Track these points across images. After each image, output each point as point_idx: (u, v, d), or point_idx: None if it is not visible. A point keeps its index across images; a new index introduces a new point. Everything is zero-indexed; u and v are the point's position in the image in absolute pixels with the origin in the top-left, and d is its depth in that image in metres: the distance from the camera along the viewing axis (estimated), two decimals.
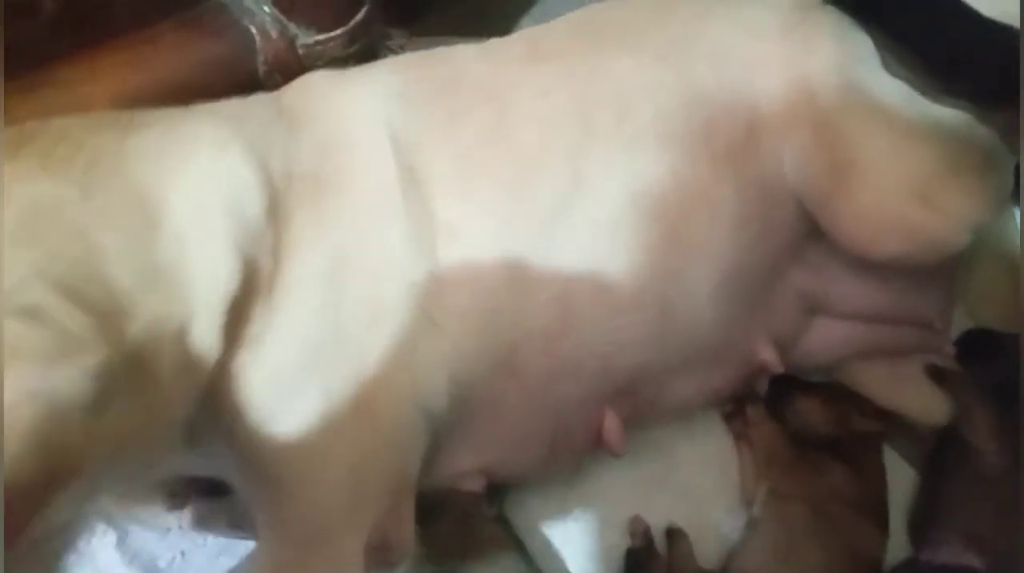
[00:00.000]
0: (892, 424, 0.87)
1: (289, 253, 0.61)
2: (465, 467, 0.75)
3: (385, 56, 1.03)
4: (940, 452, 0.85)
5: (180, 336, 0.54)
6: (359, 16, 0.86)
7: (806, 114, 0.75)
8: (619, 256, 0.72)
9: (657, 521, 0.82)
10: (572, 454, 0.80)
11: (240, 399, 0.59)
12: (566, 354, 0.72)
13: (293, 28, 0.83)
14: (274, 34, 0.83)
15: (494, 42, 0.79)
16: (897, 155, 0.74)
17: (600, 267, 0.71)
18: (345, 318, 0.62)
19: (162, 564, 0.80)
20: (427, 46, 1.05)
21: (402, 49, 1.09)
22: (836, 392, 0.87)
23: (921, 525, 0.82)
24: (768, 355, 0.81)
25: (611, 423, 0.76)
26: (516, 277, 0.69)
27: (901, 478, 0.86)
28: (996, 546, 0.77)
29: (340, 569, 0.64)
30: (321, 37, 0.84)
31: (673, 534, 0.81)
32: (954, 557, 0.78)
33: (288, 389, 0.60)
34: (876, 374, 0.89)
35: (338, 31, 0.84)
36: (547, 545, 0.83)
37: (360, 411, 0.62)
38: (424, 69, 0.75)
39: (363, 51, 0.89)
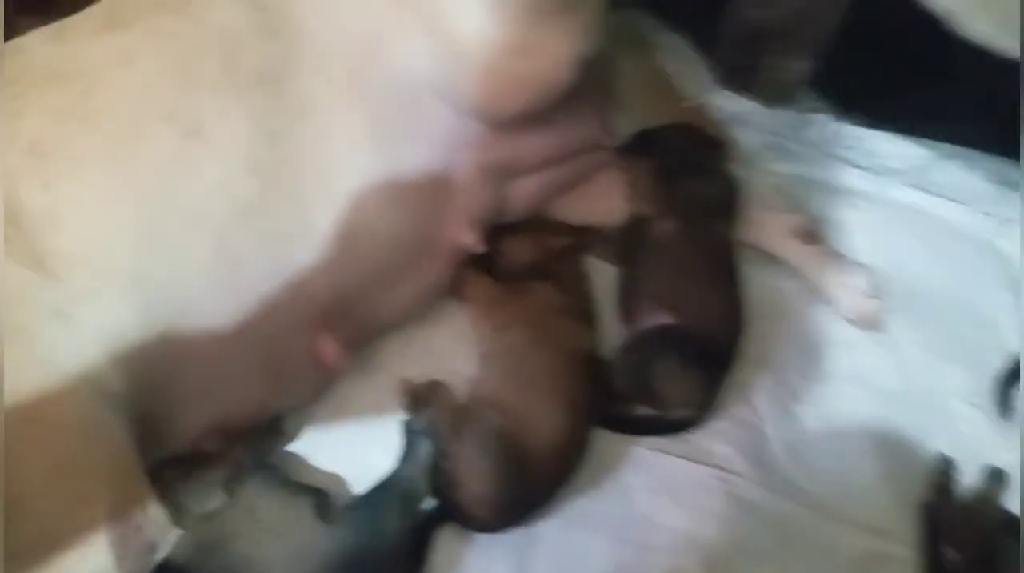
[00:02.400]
0: (587, 235, 0.95)
1: None
2: (197, 427, 0.76)
3: None
4: (625, 239, 0.94)
5: None
6: None
7: (411, 12, 0.77)
8: (266, 195, 0.73)
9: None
10: (299, 386, 0.82)
11: None
12: (247, 291, 0.73)
13: None
14: None
15: (69, 20, 0.76)
16: (490, 21, 0.76)
17: (249, 207, 0.72)
18: None
19: None
20: None
21: None
22: (531, 223, 0.94)
23: (625, 306, 0.91)
24: (468, 238, 0.85)
25: (326, 345, 0.79)
26: (148, 240, 0.69)
27: (607, 277, 0.94)
28: (679, 299, 0.87)
29: (91, 567, 0.64)
30: None
31: (434, 385, 0.85)
32: (652, 320, 0.87)
33: None
34: (562, 198, 0.97)
35: None
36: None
37: (32, 423, 0.63)
38: None
39: None
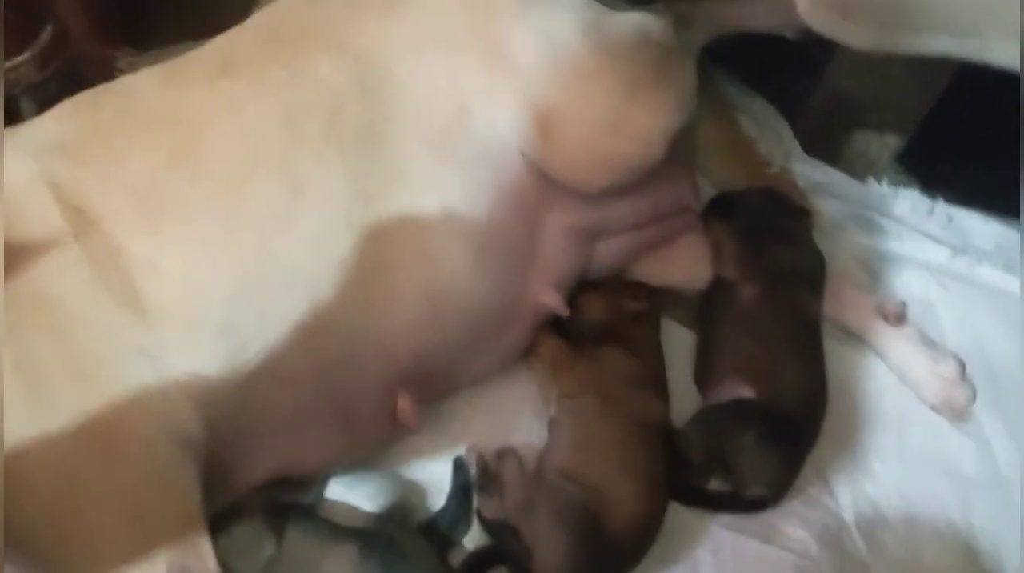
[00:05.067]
0: (666, 298, 0.94)
1: None
2: (261, 478, 0.75)
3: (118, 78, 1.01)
4: (706, 304, 0.93)
5: None
6: (44, 37, 0.83)
7: (503, 79, 0.78)
8: (361, 253, 0.72)
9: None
10: (369, 439, 0.81)
11: None
12: (334, 351, 0.72)
13: None
14: None
15: (180, 61, 0.77)
16: (584, 97, 0.78)
17: (343, 264, 0.72)
18: (51, 397, 0.62)
19: None
20: (156, 59, 1.03)
21: (132, 68, 1.07)
22: (608, 283, 0.92)
23: (702, 374, 0.89)
24: (551, 300, 0.84)
25: (404, 404, 0.78)
26: (242, 291, 0.68)
27: (687, 343, 0.93)
28: (760, 371, 0.84)
29: None
30: (8, 64, 0.81)
31: (504, 453, 0.83)
32: (730, 391, 0.85)
33: (27, 466, 0.60)
34: (644, 259, 0.95)
35: (24, 55, 0.82)
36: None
37: (103, 465, 0.62)
38: (92, 110, 0.72)
39: (67, 73, 0.87)
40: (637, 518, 0.76)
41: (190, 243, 0.68)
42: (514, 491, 0.79)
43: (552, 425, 0.84)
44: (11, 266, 0.63)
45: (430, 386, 0.81)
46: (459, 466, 0.83)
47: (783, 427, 0.83)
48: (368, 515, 0.79)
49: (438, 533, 0.80)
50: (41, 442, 0.60)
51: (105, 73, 0.99)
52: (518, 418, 0.88)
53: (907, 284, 0.98)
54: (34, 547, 0.61)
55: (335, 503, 0.81)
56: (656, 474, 0.79)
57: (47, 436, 0.61)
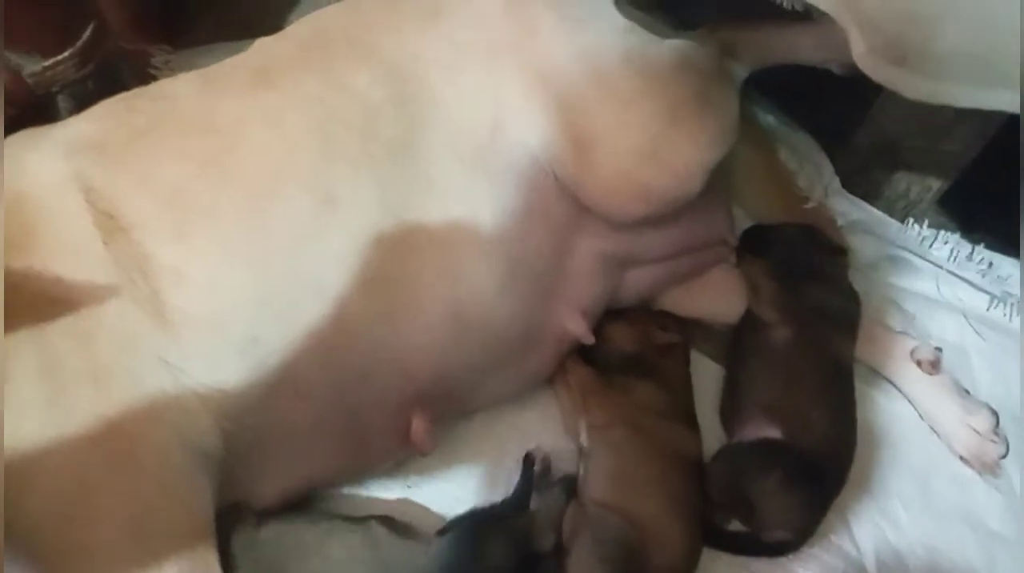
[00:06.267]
0: (695, 330, 0.93)
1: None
2: (271, 493, 0.74)
3: (153, 77, 1.00)
4: (736, 339, 0.91)
5: None
6: (86, 35, 0.82)
7: (540, 97, 0.77)
8: (387, 268, 0.72)
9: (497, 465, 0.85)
10: (380, 458, 0.80)
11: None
12: (352, 367, 0.72)
13: (15, 58, 0.79)
14: None
15: (217, 68, 0.76)
16: (622, 123, 0.77)
17: (369, 279, 0.71)
18: (72, 400, 0.61)
19: None
20: (192, 59, 1.03)
21: (167, 66, 1.06)
22: (638, 312, 0.91)
23: (728, 411, 0.88)
24: (577, 328, 0.83)
25: (419, 425, 0.77)
26: (267, 305, 0.68)
27: (717, 378, 0.91)
28: (789, 412, 0.83)
29: None
30: (48, 63, 0.80)
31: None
32: (757, 431, 0.83)
33: (35, 474, 0.59)
34: (674, 289, 0.94)
35: (65, 53, 0.81)
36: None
37: (118, 471, 0.62)
38: (127, 114, 0.72)
39: (104, 71, 0.86)
40: (682, 559, 0.75)
41: (218, 254, 0.67)
42: (567, 513, 0.77)
43: (586, 456, 0.82)
44: (40, 266, 0.63)
45: (446, 406, 0.80)
46: (528, 463, 0.82)
47: (809, 471, 0.81)
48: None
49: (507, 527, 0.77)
50: (59, 443, 0.60)
51: (140, 71, 0.98)
52: (535, 444, 0.86)
53: (942, 329, 0.96)
54: (43, 548, 0.60)
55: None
56: (698, 512, 0.78)
57: (65, 437, 0.60)
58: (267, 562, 0.72)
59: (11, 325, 0.61)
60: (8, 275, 0.61)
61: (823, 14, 0.74)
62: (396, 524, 0.78)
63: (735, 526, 0.83)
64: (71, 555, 0.60)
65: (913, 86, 0.68)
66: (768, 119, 1.07)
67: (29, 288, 0.62)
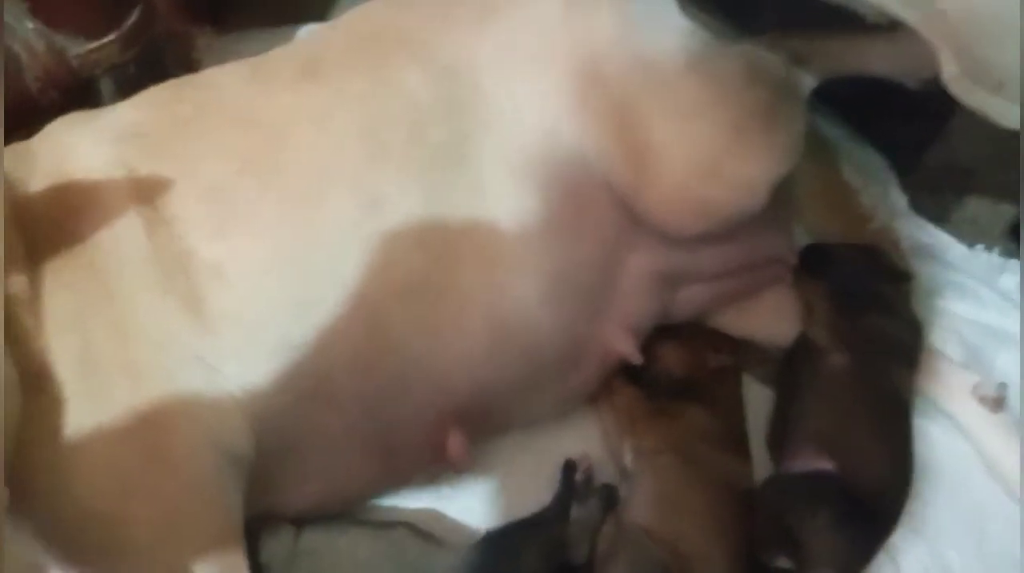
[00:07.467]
0: (748, 352, 0.89)
1: (41, 325, 0.59)
2: (301, 501, 0.73)
3: (195, 60, 0.98)
4: (788, 364, 0.87)
5: None
6: (132, 18, 0.80)
7: (597, 103, 0.74)
8: (429, 276, 0.70)
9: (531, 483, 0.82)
10: (412, 472, 0.79)
11: (27, 480, 0.57)
12: (388, 377, 0.70)
13: (60, 40, 0.78)
14: (40, 49, 0.77)
15: (266, 59, 0.74)
16: (684, 134, 0.74)
17: (410, 287, 0.69)
18: (111, 391, 0.60)
19: None
20: (235, 43, 1.01)
21: (210, 50, 1.04)
22: (690, 331, 0.88)
23: (777, 439, 0.84)
24: (624, 346, 0.80)
25: (455, 441, 0.75)
26: (305, 308, 0.66)
27: (764, 402, 0.88)
28: (843, 445, 0.79)
29: None
30: (93, 45, 0.79)
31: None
32: (808, 463, 0.79)
33: (72, 467, 0.59)
34: (727, 309, 0.90)
35: (111, 36, 0.79)
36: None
37: (152, 470, 0.61)
38: (174, 102, 0.71)
39: (148, 54, 0.84)
40: None
41: (259, 254, 0.66)
42: (607, 531, 0.75)
43: (629, 479, 0.80)
44: (84, 250, 0.63)
45: (484, 423, 0.77)
46: (570, 470, 0.80)
47: (861, 509, 0.78)
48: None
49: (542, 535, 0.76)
50: (99, 437, 0.60)
51: (183, 56, 0.96)
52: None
53: (1005, 364, 0.91)
54: (78, 540, 0.60)
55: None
56: (744, 547, 0.75)
57: (104, 431, 0.60)
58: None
59: (56, 305, 0.61)
60: (54, 256, 0.61)
61: (903, 25, 0.70)
62: (422, 532, 0.76)
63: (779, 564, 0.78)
64: (105, 544, 0.60)
65: (1007, 114, 0.64)
66: (833, 132, 1.02)
67: (73, 270, 0.62)
